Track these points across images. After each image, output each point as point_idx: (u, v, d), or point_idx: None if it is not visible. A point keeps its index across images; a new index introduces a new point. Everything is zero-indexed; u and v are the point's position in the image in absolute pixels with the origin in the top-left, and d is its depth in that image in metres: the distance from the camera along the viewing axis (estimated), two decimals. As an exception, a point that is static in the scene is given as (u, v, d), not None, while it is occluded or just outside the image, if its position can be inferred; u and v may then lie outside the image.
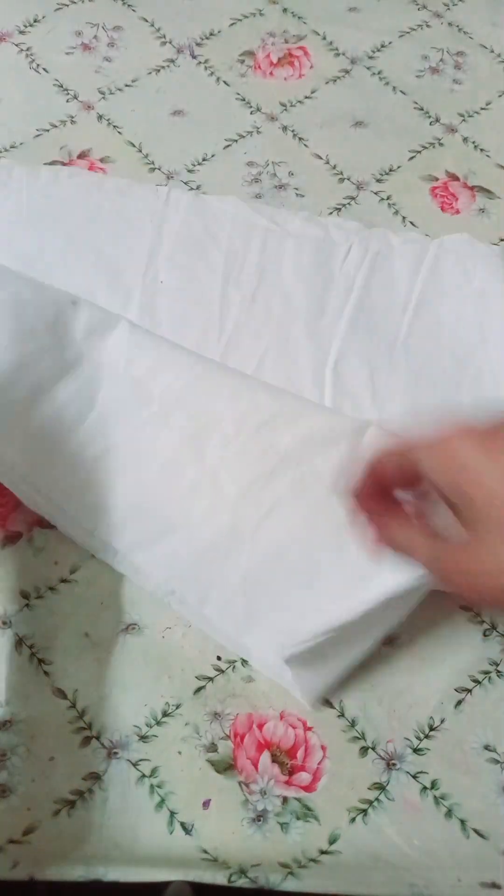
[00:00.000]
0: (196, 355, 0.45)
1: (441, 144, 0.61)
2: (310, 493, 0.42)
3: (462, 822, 0.39)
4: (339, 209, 0.57)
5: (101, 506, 0.43)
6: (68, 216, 0.54)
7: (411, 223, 0.57)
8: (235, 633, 0.42)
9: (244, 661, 0.42)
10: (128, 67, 0.63)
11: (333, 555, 0.42)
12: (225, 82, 0.63)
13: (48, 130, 0.60)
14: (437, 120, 0.62)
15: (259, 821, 0.38)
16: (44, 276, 0.46)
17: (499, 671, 0.42)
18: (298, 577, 0.41)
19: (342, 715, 0.41)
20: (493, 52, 0.66)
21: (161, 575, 0.43)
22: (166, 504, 0.43)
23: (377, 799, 0.39)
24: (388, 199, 0.58)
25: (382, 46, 0.66)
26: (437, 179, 0.59)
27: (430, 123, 0.62)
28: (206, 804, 0.39)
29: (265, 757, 0.40)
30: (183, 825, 0.38)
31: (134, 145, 0.59)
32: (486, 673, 0.42)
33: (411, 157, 0.60)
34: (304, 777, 0.39)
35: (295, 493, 0.42)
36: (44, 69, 0.63)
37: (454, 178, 0.59)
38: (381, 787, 0.39)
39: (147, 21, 0.66)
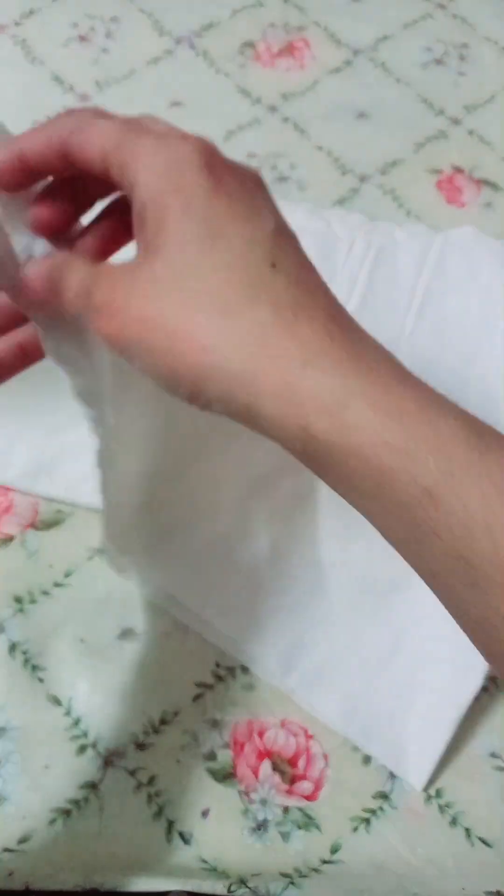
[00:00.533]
0: None
1: (446, 137, 0.60)
2: (311, 495, 0.41)
3: (467, 830, 0.38)
4: (342, 202, 0.56)
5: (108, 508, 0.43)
6: None
7: (416, 216, 0.56)
8: (236, 637, 0.41)
9: (244, 668, 0.41)
10: (125, 59, 0.62)
11: (337, 556, 0.41)
12: (225, 73, 0.62)
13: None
14: (442, 112, 0.61)
15: (259, 830, 0.38)
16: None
17: (505, 677, 0.41)
18: (301, 581, 0.41)
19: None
20: (497, 44, 0.65)
21: (160, 578, 0.42)
22: (166, 507, 0.42)
23: (380, 807, 0.38)
24: (391, 192, 0.57)
25: (385, 37, 0.65)
26: (441, 172, 0.58)
27: (435, 115, 0.61)
28: (205, 813, 0.38)
29: (266, 765, 0.39)
30: (181, 834, 0.37)
31: (132, 138, 0.58)
32: (494, 679, 0.41)
33: (415, 150, 0.59)
34: (305, 786, 0.38)
35: (296, 496, 0.41)
36: (40, 61, 0.62)
37: (459, 170, 0.58)
38: (384, 796, 0.39)
39: (145, 12, 0.65)
